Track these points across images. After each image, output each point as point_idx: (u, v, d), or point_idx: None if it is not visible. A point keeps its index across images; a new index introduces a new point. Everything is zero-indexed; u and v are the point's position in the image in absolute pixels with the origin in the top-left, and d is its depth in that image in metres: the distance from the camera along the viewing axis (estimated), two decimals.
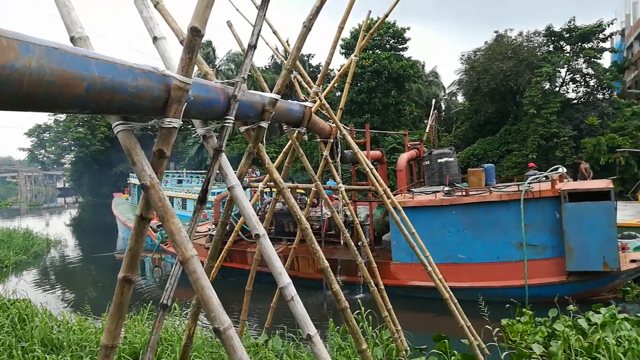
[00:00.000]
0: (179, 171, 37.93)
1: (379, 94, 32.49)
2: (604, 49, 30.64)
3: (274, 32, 5.39)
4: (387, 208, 5.14)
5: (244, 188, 6.43)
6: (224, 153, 2.43)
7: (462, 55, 34.10)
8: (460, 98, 44.75)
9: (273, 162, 3.96)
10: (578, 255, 9.13)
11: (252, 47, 2.47)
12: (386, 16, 5.65)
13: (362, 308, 6.20)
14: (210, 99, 2.20)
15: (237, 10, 5.69)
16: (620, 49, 37.83)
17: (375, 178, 5.43)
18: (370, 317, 6.11)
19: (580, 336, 5.98)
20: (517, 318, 7.99)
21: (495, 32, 32.97)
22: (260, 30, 2.44)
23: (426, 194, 11.14)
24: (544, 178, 10.44)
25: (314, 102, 4.83)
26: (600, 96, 31.02)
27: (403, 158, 12.74)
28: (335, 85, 5.91)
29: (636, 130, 27.15)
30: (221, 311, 1.77)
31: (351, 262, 10.44)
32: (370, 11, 5.72)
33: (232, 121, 2.36)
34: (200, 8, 1.78)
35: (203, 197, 2.45)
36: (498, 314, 8.18)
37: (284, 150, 5.07)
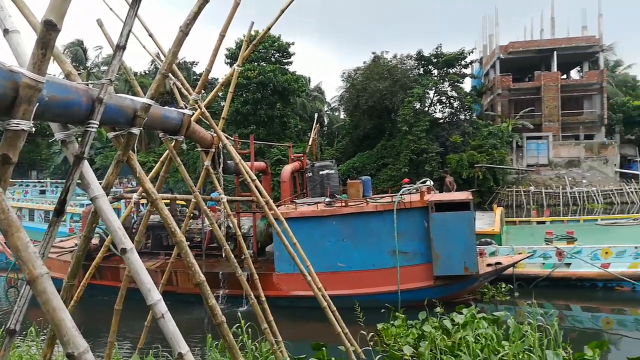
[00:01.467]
0: (41, 180, 34.19)
1: (264, 105, 32.63)
2: (465, 75, 34.27)
3: (150, 35, 5.13)
4: (269, 219, 5.14)
5: (118, 199, 5.98)
6: (86, 160, 2.22)
7: (344, 73, 35.82)
8: (342, 114, 46.73)
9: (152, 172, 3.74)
10: (443, 261, 9.99)
11: (121, 48, 2.31)
12: (269, 28, 5.69)
13: (243, 321, 6.08)
14: (69, 100, 2.00)
15: (110, 9, 5.32)
16: (479, 76, 42.59)
17: (258, 189, 5.40)
18: (250, 330, 6.02)
19: (444, 336, 6.49)
20: (391, 322, 8.42)
21: (373, 53, 35.16)
22: (130, 31, 2.30)
23: (308, 204, 11.39)
24: (415, 190, 11.28)
25: (195, 109, 4.67)
26: (462, 117, 34.56)
27: (287, 170, 12.91)
28: (220, 94, 5.81)
29: (491, 148, 30.68)
30: (76, 334, 1.60)
31: (234, 274, 10.23)
32: (252, 22, 5.72)
33: (96, 126, 2.18)
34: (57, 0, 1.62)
35: (60, 209, 2.21)
36: (375, 319, 8.59)
37: (161, 159, 4.82)
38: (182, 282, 11.27)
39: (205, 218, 5.77)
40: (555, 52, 35.89)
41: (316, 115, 19.05)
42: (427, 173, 29.47)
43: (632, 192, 30.57)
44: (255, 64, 33.46)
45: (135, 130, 2.66)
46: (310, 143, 15.46)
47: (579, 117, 36.53)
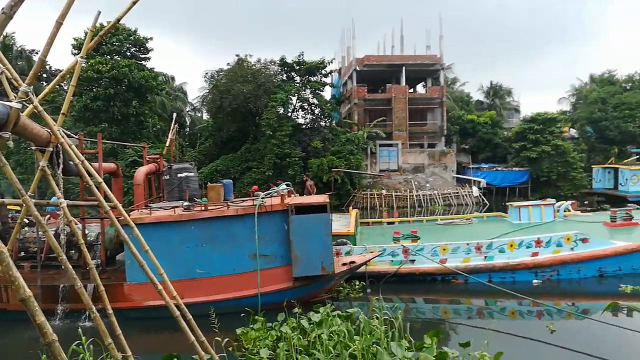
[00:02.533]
0: None
1: (118, 102, 30.26)
2: (325, 83, 35.87)
3: None
4: (115, 225, 4.76)
5: None
6: None
7: (206, 74, 34.91)
8: (205, 115, 45.53)
9: None
10: (302, 262, 10.27)
11: None
12: (118, 20, 5.31)
13: (84, 337, 5.54)
14: None
15: None
16: (338, 85, 44.90)
17: (105, 193, 4.97)
18: (92, 346, 5.51)
19: (301, 336, 6.66)
20: (251, 326, 8.41)
21: (237, 55, 34.93)
22: None
23: (165, 209, 10.84)
24: (276, 193, 11.43)
25: (28, 102, 4.14)
26: (323, 123, 36.10)
27: (141, 172, 12.13)
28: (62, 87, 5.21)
29: (349, 154, 32.55)
30: None
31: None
32: (99, 12, 5.27)
33: None
34: None
35: None
36: (236, 323, 8.49)
37: None
38: (14, 298, 9.91)
39: (39, 224, 5.12)
40: (404, 68, 39.39)
41: (174, 115, 18.20)
42: (290, 177, 30.18)
43: (466, 195, 34.86)
44: (108, 57, 30.95)
45: None
46: (168, 144, 14.75)
47: (423, 128, 40.58)
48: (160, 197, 13.36)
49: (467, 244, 12.96)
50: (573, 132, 44.28)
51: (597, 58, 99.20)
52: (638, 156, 35.33)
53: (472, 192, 34.92)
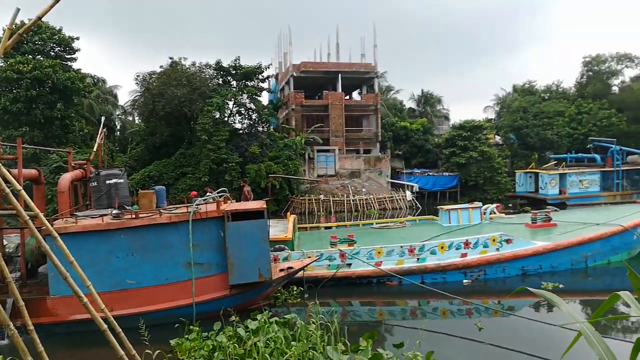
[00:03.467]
0: None
1: (41, 105, 28.45)
2: (263, 89, 35.77)
3: None
4: (35, 236, 4.47)
5: None
6: None
7: (138, 76, 33.66)
8: (136, 119, 43.83)
9: None
10: (238, 269, 10.13)
11: None
12: (39, 18, 5.01)
13: (1, 356, 5.15)
14: None
15: None
16: (275, 90, 44.86)
17: (25, 201, 4.65)
18: None
19: (237, 344, 6.58)
20: (186, 336, 8.19)
21: (171, 58, 34.01)
22: None
23: (92, 217, 10.32)
24: (212, 200, 11.22)
25: None
26: (260, 129, 35.90)
27: (65, 178, 11.46)
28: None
29: (287, 159, 32.57)
30: None
31: None
32: (18, 9, 4.94)
33: None
34: None
35: None
36: (170, 335, 8.23)
37: None
38: None
39: None
40: (340, 75, 40.05)
41: (103, 118, 17.35)
42: (227, 182, 29.72)
43: (400, 199, 35.93)
44: (30, 57, 29.06)
45: None
46: (96, 149, 14.05)
47: (359, 134, 41.43)
48: (88, 205, 12.70)
49: (401, 246, 13.37)
50: (498, 139, 46.92)
51: (519, 69, 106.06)
52: (556, 162, 38.08)
53: (405, 196, 36.04)
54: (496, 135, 46.89)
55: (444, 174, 39.45)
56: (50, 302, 9.53)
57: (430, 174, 39.78)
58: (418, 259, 13.27)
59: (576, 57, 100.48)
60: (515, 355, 8.30)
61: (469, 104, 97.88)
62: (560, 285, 12.36)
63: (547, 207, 20.94)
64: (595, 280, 14.10)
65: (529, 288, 3.13)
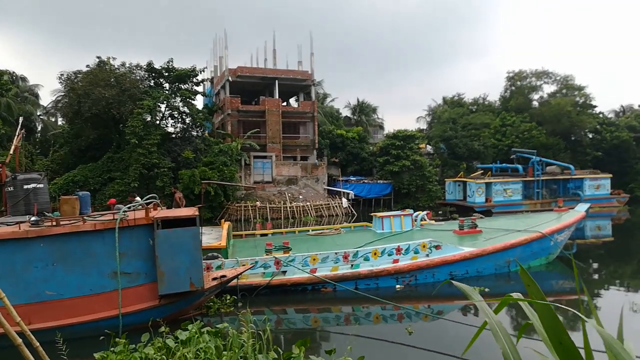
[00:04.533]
0: None
1: None
2: (197, 92, 34.90)
3: None
4: None
5: None
6: None
7: (62, 75, 31.71)
8: (60, 120, 41.31)
9: None
10: (169, 278, 9.77)
11: None
12: None
13: None
14: None
15: None
16: (210, 94, 44.00)
17: None
18: None
19: (165, 356, 6.31)
20: (112, 349, 7.76)
21: (98, 57, 32.43)
22: None
23: (8, 225, 9.56)
24: (140, 207, 10.75)
25: None
26: (194, 133, 35.01)
27: None
28: None
29: (222, 165, 31.95)
30: None
31: None
32: None
33: None
34: None
35: None
36: (95, 348, 7.76)
37: None
38: None
39: None
40: (277, 81, 40.04)
41: (21, 118, 16.16)
42: (158, 189, 28.67)
43: (336, 206, 36.38)
44: None
45: None
46: (12, 151, 13.05)
47: (296, 141, 41.57)
48: (3, 211, 11.76)
49: (336, 253, 13.50)
50: (429, 148, 48.91)
51: (450, 82, 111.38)
52: (482, 171, 40.24)
53: (341, 203, 36.56)
54: (427, 145, 48.84)
55: (379, 181, 40.46)
56: None
57: (366, 181, 40.65)
58: (352, 265, 13.46)
59: (502, 72, 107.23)
60: (440, 357, 8.61)
61: (403, 114, 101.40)
62: (486, 289, 12.94)
63: (474, 214, 22.02)
64: (516, 284, 14.97)
65: (453, 281, 3.30)
